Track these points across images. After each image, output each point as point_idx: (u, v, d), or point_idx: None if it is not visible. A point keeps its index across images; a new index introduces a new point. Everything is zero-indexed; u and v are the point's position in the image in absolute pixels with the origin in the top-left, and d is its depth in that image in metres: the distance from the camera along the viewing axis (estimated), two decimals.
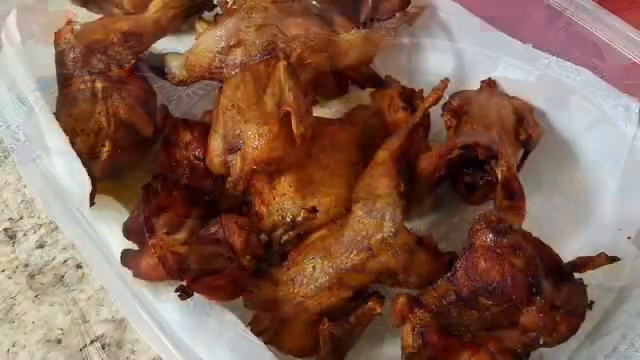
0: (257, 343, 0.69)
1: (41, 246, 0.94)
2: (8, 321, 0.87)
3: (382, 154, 0.78)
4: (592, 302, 0.68)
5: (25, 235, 0.95)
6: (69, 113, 0.82)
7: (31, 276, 0.91)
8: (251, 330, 0.71)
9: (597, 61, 0.84)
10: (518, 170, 0.85)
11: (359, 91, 1.00)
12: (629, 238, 0.83)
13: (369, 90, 0.97)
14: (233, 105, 0.76)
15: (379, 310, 0.71)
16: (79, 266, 0.92)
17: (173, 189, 0.78)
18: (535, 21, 0.89)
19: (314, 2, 0.91)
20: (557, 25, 0.86)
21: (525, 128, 0.86)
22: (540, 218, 0.89)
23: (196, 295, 0.67)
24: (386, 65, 0.99)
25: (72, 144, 0.78)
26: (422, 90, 0.93)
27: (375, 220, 0.71)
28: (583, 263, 0.69)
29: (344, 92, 1.03)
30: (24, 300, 0.89)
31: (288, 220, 0.75)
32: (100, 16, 0.94)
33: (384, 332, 0.79)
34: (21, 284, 0.90)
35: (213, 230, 0.73)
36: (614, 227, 0.85)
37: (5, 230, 0.96)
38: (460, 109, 0.87)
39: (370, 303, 0.71)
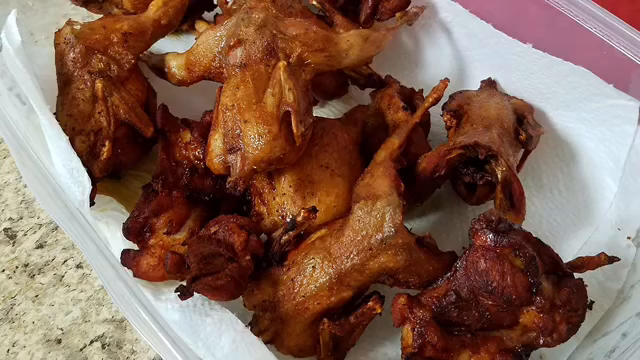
0: (257, 343, 0.69)
1: (41, 246, 0.94)
2: (8, 321, 0.87)
3: (382, 154, 0.78)
4: (592, 302, 0.68)
5: (25, 235, 0.95)
6: (69, 113, 0.82)
7: (31, 276, 0.91)
8: (251, 330, 0.71)
9: (597, 61, 0.84)
10: (518, 170, 0.85)
11: (359, 91, 1.01)
12: (629, 238, 0.83)
13: (369, 90, 0.97)
14: (233, 105, 0.76)
15: (379, 310, 0.71)
16: (79, 266, 0.92)
17: (173, 189, 0.78)
18: (535, 21, 0.89)
19: (314, 2, 0.91)
20: (557, 25, 0.86)
21: (525, 128, 0.86)
22: (540, 218, 0.90)
23: (196, 295, 0.67)
24: (386, 65, 0.99)
25: (72, 144, 0.78)
26: (422, 90, 0.94)
27: (375, 220, 0.71)
28: (583, 263, 0.69)
29: (344, 92, 1.03)
30: (24, 300, 0.89)
31: (288, 220, 0.75)
32: (100, 16, 0.94)
33: (384, 332, 0.80)
34: (21, 284, 0.90)
35: (213, 230, 0.73)
36: (614, 227, 0.85)
37: (5, 230, 0.96)
38: (460, 109, 0.87)
39: (370, 303, 0.71)
